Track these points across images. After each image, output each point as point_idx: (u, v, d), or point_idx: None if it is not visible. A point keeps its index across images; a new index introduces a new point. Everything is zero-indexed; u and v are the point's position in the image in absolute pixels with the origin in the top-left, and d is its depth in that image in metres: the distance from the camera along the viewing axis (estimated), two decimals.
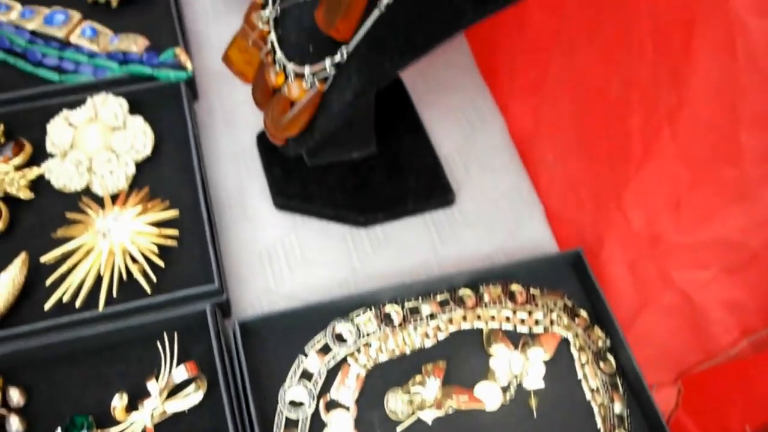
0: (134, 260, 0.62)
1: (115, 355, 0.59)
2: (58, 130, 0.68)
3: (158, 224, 0.64)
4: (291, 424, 0.56)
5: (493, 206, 0.73)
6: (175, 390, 0.56)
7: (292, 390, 0.57)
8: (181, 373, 0.55)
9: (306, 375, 0.58)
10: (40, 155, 0.69)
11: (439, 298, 0.63)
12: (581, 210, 0.69)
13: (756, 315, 0.59)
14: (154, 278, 0.61)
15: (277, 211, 0.71)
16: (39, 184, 0.68)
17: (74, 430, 0.54)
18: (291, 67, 0.56)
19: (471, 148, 0.76)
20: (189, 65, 0.73)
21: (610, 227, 0.65)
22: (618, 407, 0.59)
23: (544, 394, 0.60)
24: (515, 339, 0.61)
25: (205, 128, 0.76)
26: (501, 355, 0.61)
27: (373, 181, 0.71)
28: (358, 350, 0.59)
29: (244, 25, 0.63)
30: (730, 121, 0.52)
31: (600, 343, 0.62)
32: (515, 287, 0.64)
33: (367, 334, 0.60)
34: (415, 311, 0.62)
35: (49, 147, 0.69)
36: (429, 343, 0.61)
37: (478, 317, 0.62)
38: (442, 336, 0.61)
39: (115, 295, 0.61)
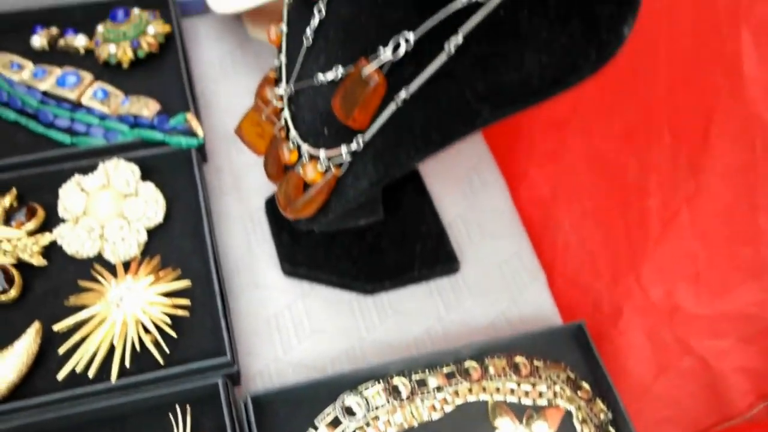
0: (146, 330, 0.63)
1: (127, 426, 0.60)
2: (70, 195, 0.70)
3: (170, 294, 0.65)
4: None
5: (495, 273, 0.74)
6: None
7: None
8: None
9: None
10: (51, 219, 0.71)
11: (445, 370, 0.64)
12: (598, 279, 0.71)
13: None
14: (166, 349, 0.62)
15: (284, 276, 0.72)
16: (51, 250, 0.69)
17: None
18: (306, 148, 0.58)
19: (474, 214, 0.78)
20: (200, 132, 0.74)
21: (629, 298, 0.67)
22: None
23: None
24: (520, 411, 0.63)
25: (213, 190, 0.77)
26: (506, 429, 0.62)
27: (380, 249, 0.72)
28: (368, 424, 0.60)
29: (257, 99, 0.65)
30: (749, 206, 0.55)
31: (602, 416, 0.63)
32: (519, 359, 0.65)
33: (376, 407, 0.61)
34: (422, 383, 0.63)
35: (61, 212, 0.70)
36: (436, 416, 0.62)
37: (484, 389, 0.64)
38: (448, 408, 0.62)
39: (128, 365, 0.62)
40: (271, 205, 0.75)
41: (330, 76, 0.55)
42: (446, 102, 0.48)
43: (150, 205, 0.70)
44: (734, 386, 0.64)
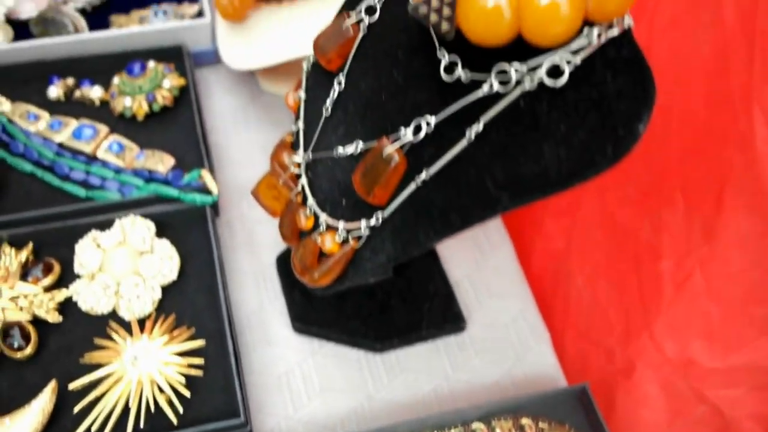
0: (161, 389, 0.64)
1: None
2: (86, 252, 0.71)
3: (184, 353, 0.66)
4: None
5: (501, 332, 0.76)
6: None
7: None
8: None
9: None
10: (67, 274, 0.72)
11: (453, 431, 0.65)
12: (610, 333, 0.72)
13: None
14: (180, 409, 0.63)
15: (295, 333, 0.73)
16: (66, 305, 0.70)
17: None
18: (324, 217, 0.59)
19: (481, 273, 0.80)
20: (215, 189, 0.76)
21: (643, 352, 0.69)
22: None
23: None
24: None
25: (225, 244, 0.79)
26: None
27: (389, 308, 0.74)
28: None
29: (273, 163, 0.66)
30: (762, 269, 0.56)
31: None
32: (525, 421, 0.67)
33: None
34: None
35: (77, 268, 0.71)
36: None
37: None
38: None
39: (142, 425, 0.62)
40: (282, 262, 0.76)
41: (350, 149, 0.57)
42: (466, 186, 0.50)
43: (165, 262, 0.71)
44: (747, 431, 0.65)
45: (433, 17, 0.45)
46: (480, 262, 0.81)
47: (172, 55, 0.90)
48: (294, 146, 0.66)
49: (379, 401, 0.70)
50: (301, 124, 0.65)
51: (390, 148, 0.52)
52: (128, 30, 0.89)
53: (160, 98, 0.84)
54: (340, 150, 0.57)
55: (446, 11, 0.45)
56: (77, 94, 0.86)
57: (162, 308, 0.70)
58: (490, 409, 0.67)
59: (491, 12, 0.44)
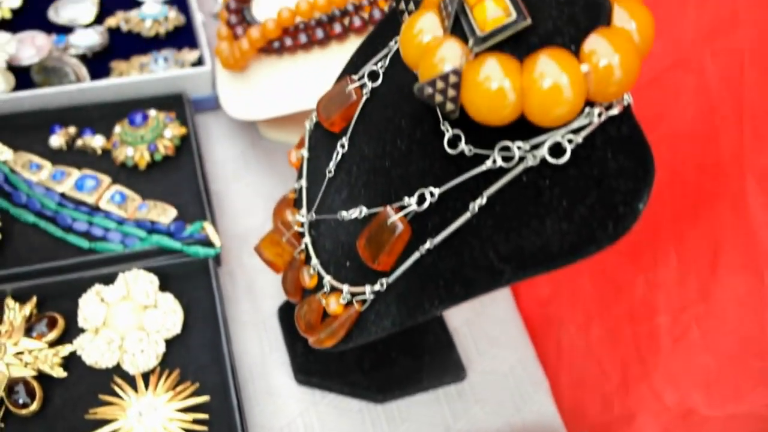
0: None
1: None
2: (90, 306, 0.71)
3: (189, 409, 0.66)
4: None
5: (500, 381, 0.77)
6: None
7: None
8: None
9: None
10: (71, 328, 0.72)
11: None
12: (607, 381, 0.73)
13: None
14: None
15: (297, 384, 0.74)
16: (69, 360, 0.70)
17: None
18: (328, 279, 0.60)
19: (479, 321, 0.81)
20: (217, 241, 0.77)
21: (642, 401, 0.69)
22: None
23: None
24: None
25: (226, 294, 0.80)
26: None
27: (390, 359, 0.74)
28: None
29: (276, 221, 0.67)
30: (759, 326, 0.58)
31: None
32: None
33: None
34: None
35: (81, 322, 0.72)
36: None
37: None
38: None
39: None
40: (284, 313, 0.77)
41: (353, 214, 0.58)
42: (469, 258, 0.51)
43: (168, 316, 0.72)
44: None
45: (438, 98, 0.46)
46: (479, 310, 0.82)
47: (173, 103, 0.92)
48: (297, 204, 0.67)
49: None
50: (303, 182, 0.66)
51: (394, 217, 0.53)
52: (129, 79, 0.90)
53: (161, 148, 0.85)
54: (344, 214, 0.58)
55: (451, 92, 0.46)
56: (79, 142, 0.87)
57: (166, 362, 0.71)
58: None
59: (495, 94, 0.45)
